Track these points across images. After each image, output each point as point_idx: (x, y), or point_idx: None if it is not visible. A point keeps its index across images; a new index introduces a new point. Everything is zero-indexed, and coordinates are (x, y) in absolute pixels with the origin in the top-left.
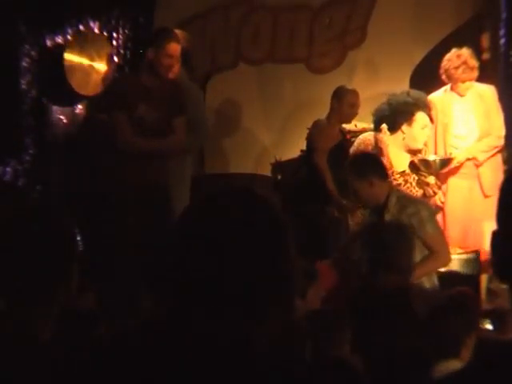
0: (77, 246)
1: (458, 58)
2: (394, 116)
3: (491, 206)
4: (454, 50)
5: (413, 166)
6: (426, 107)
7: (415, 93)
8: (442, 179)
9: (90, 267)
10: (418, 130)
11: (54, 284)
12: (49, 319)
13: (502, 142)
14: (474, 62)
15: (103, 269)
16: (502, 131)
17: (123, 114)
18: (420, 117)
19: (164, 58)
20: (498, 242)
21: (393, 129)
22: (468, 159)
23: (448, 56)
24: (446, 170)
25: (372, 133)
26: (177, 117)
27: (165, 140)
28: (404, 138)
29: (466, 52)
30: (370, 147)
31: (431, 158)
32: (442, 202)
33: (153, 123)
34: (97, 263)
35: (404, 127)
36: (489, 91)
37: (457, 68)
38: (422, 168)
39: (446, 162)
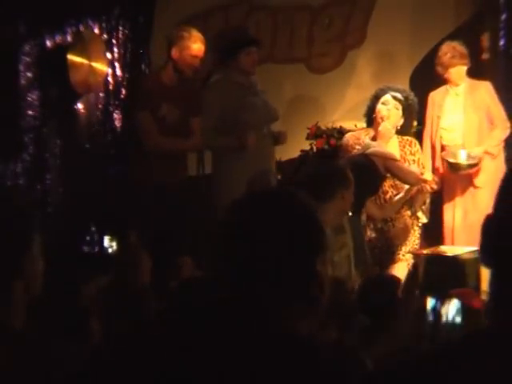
0: (30, 234)
1: (447, 45)
2: (369, 109)
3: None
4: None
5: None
6: (393, 90)
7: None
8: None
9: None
10: (380, 105)
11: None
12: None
13: (508, 133)
14: (463, 49)
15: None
16: (507, 123)
17: (148, 114)
18: (383, 96)
19: (189, 58)
20: (490, 227)
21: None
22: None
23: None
24: (471, 171)
25: (354, 133)
26: (195, 117)
27: (188, 141)
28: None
29: (454, 42)
30: (350, 141)
31: (461, 160)
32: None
33: (174, 122)
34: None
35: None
36: (483, 85)
37: (446, 53)
38: (449, 168)
39: (473, 165)
